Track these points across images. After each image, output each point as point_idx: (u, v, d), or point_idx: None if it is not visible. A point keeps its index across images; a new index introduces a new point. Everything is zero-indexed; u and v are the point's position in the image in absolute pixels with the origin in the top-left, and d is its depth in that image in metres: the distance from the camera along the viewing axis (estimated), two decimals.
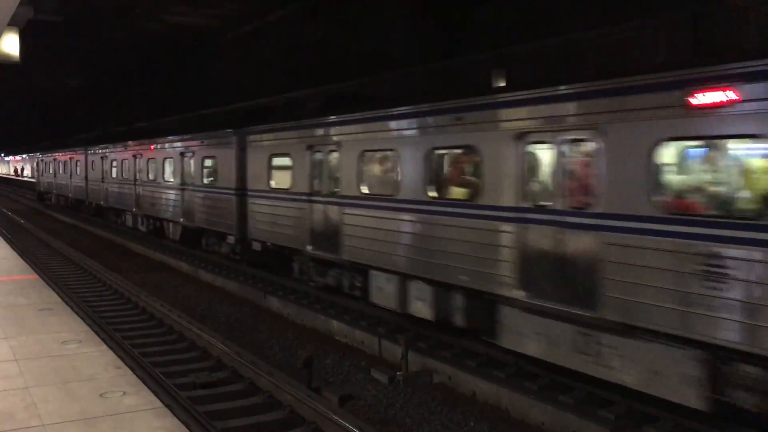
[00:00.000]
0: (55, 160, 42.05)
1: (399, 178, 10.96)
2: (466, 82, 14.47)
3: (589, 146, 7.96)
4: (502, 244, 8.94)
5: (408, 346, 9.91)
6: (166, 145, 22.33)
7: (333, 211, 12.84)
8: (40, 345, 8.36)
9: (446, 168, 10.69)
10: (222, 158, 18.21)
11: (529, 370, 9.26)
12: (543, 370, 9.08)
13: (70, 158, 37.14)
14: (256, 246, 16.18)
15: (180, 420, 6.50)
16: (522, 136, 8.76)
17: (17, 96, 43.09)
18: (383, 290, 11.44)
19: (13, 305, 10.65)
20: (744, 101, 6.41)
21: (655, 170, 7.20)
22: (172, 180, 21.64)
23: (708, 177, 7.07)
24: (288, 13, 19.28)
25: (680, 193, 7.29)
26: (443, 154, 10.54)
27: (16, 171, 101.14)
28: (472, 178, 9.77)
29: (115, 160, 28.36)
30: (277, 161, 15.39)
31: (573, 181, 8.25)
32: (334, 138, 12.93)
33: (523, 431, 8.17)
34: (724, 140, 6.77)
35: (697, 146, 7.18)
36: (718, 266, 6.54)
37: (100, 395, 6.62)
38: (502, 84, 13.20)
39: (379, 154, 11.79)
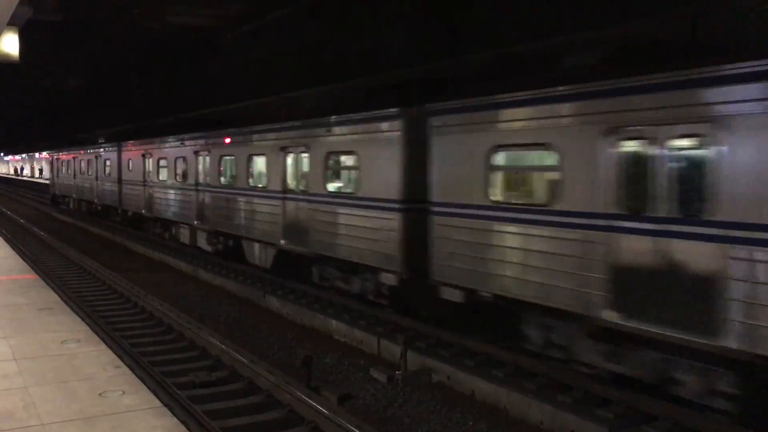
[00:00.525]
0: (75, 158, 35.74)
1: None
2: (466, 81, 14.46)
3: None
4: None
5: (407, 345, 9.92)
6: (255, 137, 16.77)
7: None
8: (40, 344, 8.38)
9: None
10: (372, 154, 12.02)
11: (527, 370, 9.27)
12: (542, 369, 9.09)
13: (97, 156, 31.23)
14: (450, 294, 10.28)
15: (179, 419, 6.51)
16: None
17: (16, 96, 43.09)
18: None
19: (13, 305, 10.66)
20: None
21: None
22: (264, 185, 15.94)
23: None
24: (288, 13, 19.28)
25: None
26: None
27: (15, 170, 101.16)
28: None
29: (164, 158, 22.66)
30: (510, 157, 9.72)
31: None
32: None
33: (522, 430, 8.18)
34: None
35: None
36: None
37: (99, 394, 6.63)
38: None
39: None
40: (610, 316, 7.78)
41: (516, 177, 9.76)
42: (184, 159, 20.79)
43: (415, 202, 11.01)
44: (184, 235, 21.28)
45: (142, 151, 24.66)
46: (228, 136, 17.99)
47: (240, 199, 17.09)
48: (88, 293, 15.38)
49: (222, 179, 18.47)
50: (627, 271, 7.65)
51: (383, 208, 11.54)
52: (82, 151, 34.44)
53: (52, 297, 11.61)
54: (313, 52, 18.48)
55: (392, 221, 11.32)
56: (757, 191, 6.47)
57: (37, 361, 7.69)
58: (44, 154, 78.87)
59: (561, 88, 8.48)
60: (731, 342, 6.66)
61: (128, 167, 26.26)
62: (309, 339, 12.04)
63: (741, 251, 6.59)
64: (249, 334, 12.42)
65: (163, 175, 22.65)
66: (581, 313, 8.11)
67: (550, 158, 8.70)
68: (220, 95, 25.00)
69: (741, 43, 9.18)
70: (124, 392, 6.71)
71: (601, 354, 8.33)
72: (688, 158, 7.32)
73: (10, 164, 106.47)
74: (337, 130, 13.15)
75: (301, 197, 14.25)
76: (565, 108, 8.43)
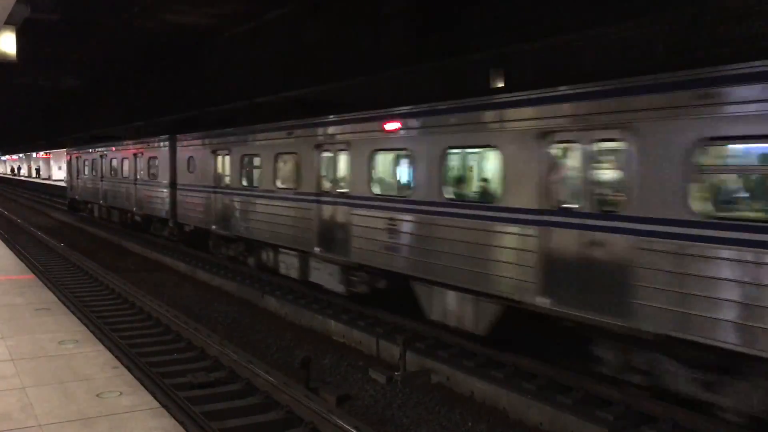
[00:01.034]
0: (103, 157, 29.08)
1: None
2: (465, 81, 14.45)
3: None
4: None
5: (406, 346, 9.90)
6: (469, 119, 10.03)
7: None
8: (37, 345, 8.33)
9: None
10: None
11: (527, 371, 9.25)
12: (542, 370, 9.08)
13: (137, 154, 24.68)
14: None
15: (177, 420, 6.48)
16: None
17: (13, 95, 43.00)
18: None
19: (10, 305, 10.61)
20: None
21: None
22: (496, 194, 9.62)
23: None
24: (286, 13, 19.26)
25: None
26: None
27: (12, 170, 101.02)
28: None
29: (253, 155, 16.44)
30: None
31: None
32: None
33: None
34: None
35: None
36: None
37: (97, 395, 6.60)
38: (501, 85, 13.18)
39: None
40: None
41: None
42: (295, 156, 14.21)
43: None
44: (289, 265, 14.76)
45: (213, 147, 18.35)
46: (392, 119, 11.44)
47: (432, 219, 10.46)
48: (86, 293, 15.33)
49: (392, 187, 12.09)
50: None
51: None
52: (114, 148, 27.61)
53: (50, 297, 11.57)
54: (313, 52, 18.46)
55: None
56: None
57: (35, 362, 7.65)
58: (41, 153, 78.79)
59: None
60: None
61: (187, 167, 19.95)
62: (307, 340, 12.01)
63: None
64: (247, 334, 12.39)
65: (253, 178, 16.40)
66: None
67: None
68: (218, 94, 24.95)
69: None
70: (121, 393, 6.67)
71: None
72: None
73: (7, 164, 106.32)
74: None
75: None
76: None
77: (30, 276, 13.94)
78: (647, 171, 7.34)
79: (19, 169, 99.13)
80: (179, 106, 27.82)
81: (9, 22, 14.33)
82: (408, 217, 10.91)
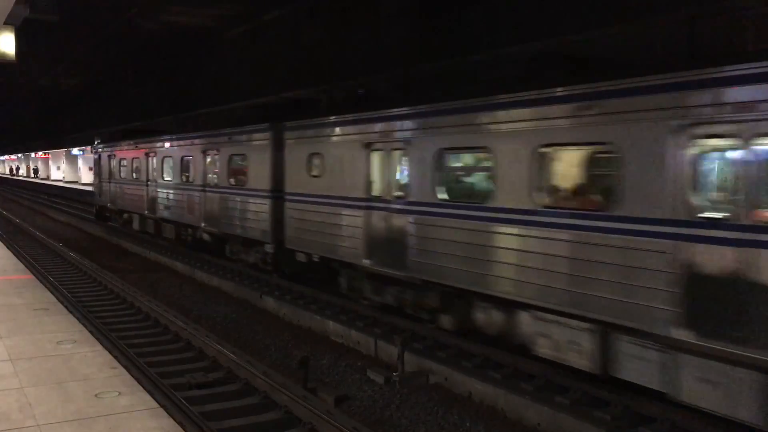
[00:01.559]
0: (150, 155, 22.51)
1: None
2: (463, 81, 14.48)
3: None
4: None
5: (404, 346, 9.90)
6: None
7: None
8: (35, 345, 8.34)
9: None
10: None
11: (525, 371, 9.26)
12: (539, 371, 9.08)
13: (207, 151, 18.37)
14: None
15: (175, 420, 6.49)
16: None
17: (13, 95, 42.98)
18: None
19: (8, 305, 10.61)
20: None
21: None
22: None
23: None
24: (285, 13, 19.29)
25: None
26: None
27: (11, 170, 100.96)
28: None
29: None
30: None
31: None
32: None
33: None
34: None
35: None
36: None
37: (96, 395, 6.60)
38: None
39: None
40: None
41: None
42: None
43: None
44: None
45: (367, 140, 11.92)
46: None
47: None
48: (84, 293, 15.33)
49: None
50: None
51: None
52: (168, 143, 21.16)
53: (48, 297, 11.57)
54: (312, 52, 18.48)
55: None
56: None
57: (33, 362, 7.65)
58: (40, 153, 78.68)
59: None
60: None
61: (307, 169, 13.69)
62: (306, 340, 12.01)
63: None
64: (246, 335, 12.39)
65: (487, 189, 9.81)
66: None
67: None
68: (217, 95, 24.97)
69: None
70: (120, 393, 6.68)
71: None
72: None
73: (6, 164, 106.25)
74: None
75: None
76: None
77: (28, 276, 13.94)
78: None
79: (17, 169, 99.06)
80: (178, 106, 27.82)
81: (8, 23, 14.34)
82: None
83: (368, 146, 11.84)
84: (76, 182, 62.53)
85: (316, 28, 17.91)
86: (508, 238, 8.96)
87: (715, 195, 7.15)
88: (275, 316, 13.87)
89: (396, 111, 11.25)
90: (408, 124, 10.93)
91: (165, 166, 21.33)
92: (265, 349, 11.50)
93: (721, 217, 6.79)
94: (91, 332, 9.66)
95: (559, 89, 8.34)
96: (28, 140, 70.51)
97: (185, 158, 19.76)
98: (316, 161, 13.42)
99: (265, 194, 15.29)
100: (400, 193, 11.17)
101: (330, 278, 13.67)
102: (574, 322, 8.21)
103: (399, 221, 11.03)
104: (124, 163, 25.07)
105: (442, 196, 10.15)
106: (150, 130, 26.48)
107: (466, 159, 10.75)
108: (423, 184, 10.47)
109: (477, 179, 10.48)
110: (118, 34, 22.13)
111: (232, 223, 16.86)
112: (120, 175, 25.68)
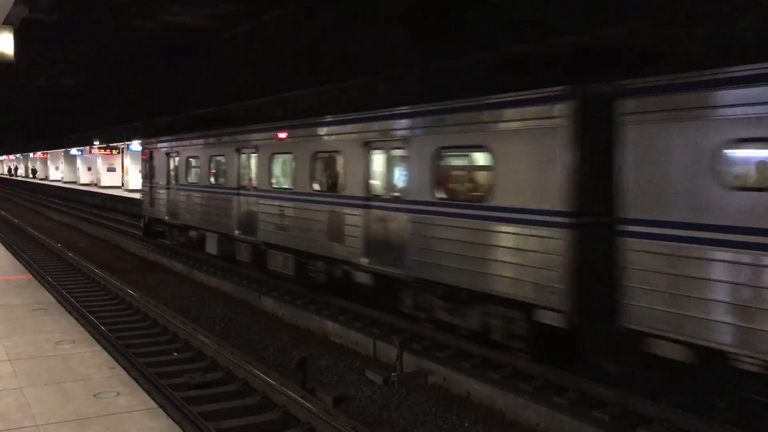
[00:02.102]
0: (244, 152, 16.09)
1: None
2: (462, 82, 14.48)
3: None
4: None
5: (403, 347, 9.91)
6: None
7: None
8: (34, 345, 8.34)
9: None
10: None
11: (523, 372, 9.27)
12: (538, 371, 9.09)
13: (379, 148, 11.62)
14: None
15: (174, 420, 6.49)
16: None
17: (11, 95, 42.97)
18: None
19: (7, 305, 10.61)
20: None
21: None
22: None
23: None
24: (284, 14, 19.29)
25: None
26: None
27: (10, 171, 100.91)
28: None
29: None
30: None
31: None
32: None
33: None
34: None
35: None
36: None
37: (94, 395, 6.60)
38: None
39: None
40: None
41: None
42: None
43: None
44: None
45: None
46: None
47: None
48: (83, 294, 15.32)
49: None
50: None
51: None
52: (283, 134, 14.44)
53: (47, 297, 11.56)
54: (311, 52, 18.48)
55: None
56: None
57: (32, 362, 7.65)
58: (38, 154, 78.64)
59: None
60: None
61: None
62: (304, 340, 12.02)
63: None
64: (244, 335, 12.40)
65: None
66: None
67: None
68: (216, 95, 24.95)
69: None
70: (119, 393, 6.68)
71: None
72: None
73: (5, 164, 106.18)
74: None
75: None
76: None
77: (27, 276, 13.93)
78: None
79: (16, 169, 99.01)
80: (177, 106, 27.80)
81: (7, 23, 14.34)
82: None
83: None
84: (74, 182, 62.51)
85: (313, 28, 17.93)
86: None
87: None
88: (274, 316, 13.87)
89: None
90: None
91: (277, 166, 15.00)
92: (263, 349, 11.50)
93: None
94: (89, 332, 9.67)
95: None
96: (27, 140, 70.51)
97: (322, 155, 13.20)
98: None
99: (534, 217, 8.50)
100: None
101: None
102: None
103: None
104: (196, 162, 18.51)
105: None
106: (226, 120, 19.61)
107: None
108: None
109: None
110: (117, 34, 22.13)
111: (449, 269, 9.80)
112: (187, 179, 19.03)
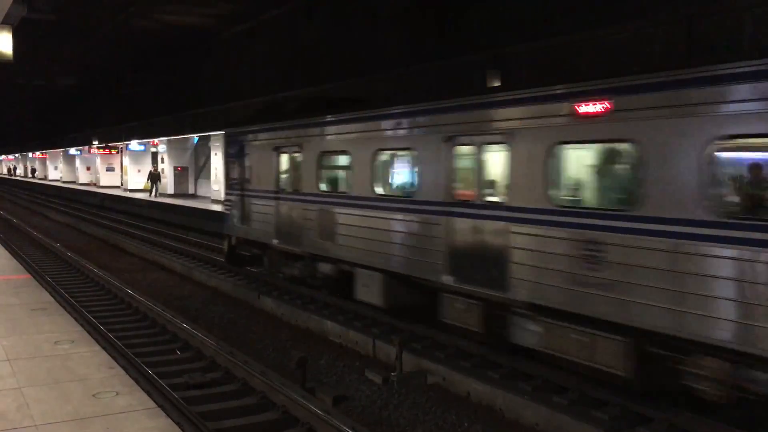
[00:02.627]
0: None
1: None
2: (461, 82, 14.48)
3: None
4: None
5: (402, 346, 9.90)
6: None
7: None
8: (33, 345, 8.32)
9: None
10: None
11: (523, 371, 9.27)
12: (538, 371, 9.09)
13: None
14: None
15: (173, 420, 6.48)
16: None
17: (10, 95, 42.93)
18: None
19: (5, 305, 10.59)
20: None
21: None
22: None
23: None
24: (282, 13, 19.27)
25: None
26: None
27: (9, 170, 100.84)
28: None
29: None
30: None
31: None
32: None
33: None
34: None
35: None
36: None
37: (93, 395, 6.59)
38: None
39: None
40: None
41: None
42: None
43: None
44: None
45: None
46: None
47: None
48: (82, 293, 15.30)
49: None
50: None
51: None
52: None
53: (46, 297, 11.54)
54: (309, 52, 18.44)
55: None
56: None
57: (31, 362, 7.64)
58: (37, 153, 78.50)
59: None
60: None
61: None
62: (304, 340, 12.01)
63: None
64: (243, 335, 12.38)
65: None
66: None
67: None
68: (214, 94, 24.94)
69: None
70: (117, 393, 6.67)
71: None
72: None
73: (3, 164, 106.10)
74: None
75: None
76: None
77: (26, 276, 13.91)
78: None
79: (15, 169, 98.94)
80: (174, 106, 27.77)
81: (5, 22, 14.33)
82: None
83: None
84: (73, 182, 62.46)
85: (312, 28, 17.90)
86: None
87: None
88: (273, 316, 13.86)
89: None
90: None
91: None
92: (263, 349, 11.48)
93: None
94: (88, 332, 9.66)
95: None
96: (26, 140, 70.46)
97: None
98: None
99: None
100: None
101: None
102: None
103: None
104: (343, 160, 12.67)
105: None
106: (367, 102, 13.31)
107: None
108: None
109: None
110: (115, 33, 22.11)
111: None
112: (318, 186, 12.87)
